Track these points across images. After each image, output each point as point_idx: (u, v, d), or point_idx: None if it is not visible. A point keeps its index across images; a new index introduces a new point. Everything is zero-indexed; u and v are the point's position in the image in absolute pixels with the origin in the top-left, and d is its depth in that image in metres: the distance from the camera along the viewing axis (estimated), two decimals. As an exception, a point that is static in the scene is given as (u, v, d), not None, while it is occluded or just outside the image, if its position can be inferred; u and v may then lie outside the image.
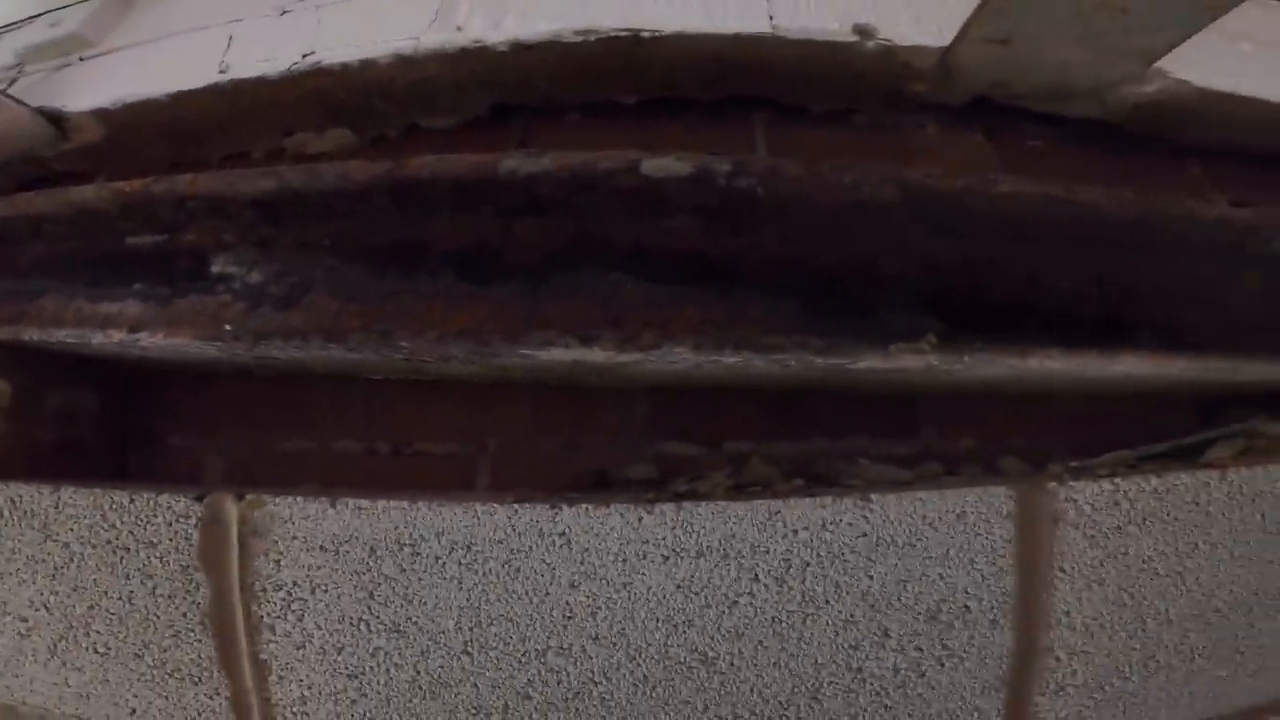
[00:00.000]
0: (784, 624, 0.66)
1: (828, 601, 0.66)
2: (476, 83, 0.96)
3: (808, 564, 0.65)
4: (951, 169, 0.79)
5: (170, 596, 0.72)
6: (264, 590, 0.70)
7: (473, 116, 1.01)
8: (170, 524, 0.71)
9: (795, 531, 0.65)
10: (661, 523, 0.65)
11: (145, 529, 0.71)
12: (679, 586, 0.66)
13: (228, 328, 0.70)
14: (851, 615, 0.66)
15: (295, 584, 0.70)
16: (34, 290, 0.83)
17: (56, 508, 0.73)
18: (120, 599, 0.73)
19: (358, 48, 0.94)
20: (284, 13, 1.03)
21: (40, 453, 0.79)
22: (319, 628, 0.70)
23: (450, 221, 0.76)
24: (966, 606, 0.67)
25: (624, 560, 0.65)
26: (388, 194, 0.75)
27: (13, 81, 1.01)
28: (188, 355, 0.82)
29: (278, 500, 0.68)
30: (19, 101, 0.92)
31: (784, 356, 0.66)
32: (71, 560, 0.73)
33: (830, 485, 0.75)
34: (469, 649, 0.70)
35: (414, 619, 0.69)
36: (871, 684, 0.68)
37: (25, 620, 0.76)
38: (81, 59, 1.03)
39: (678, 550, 0.65)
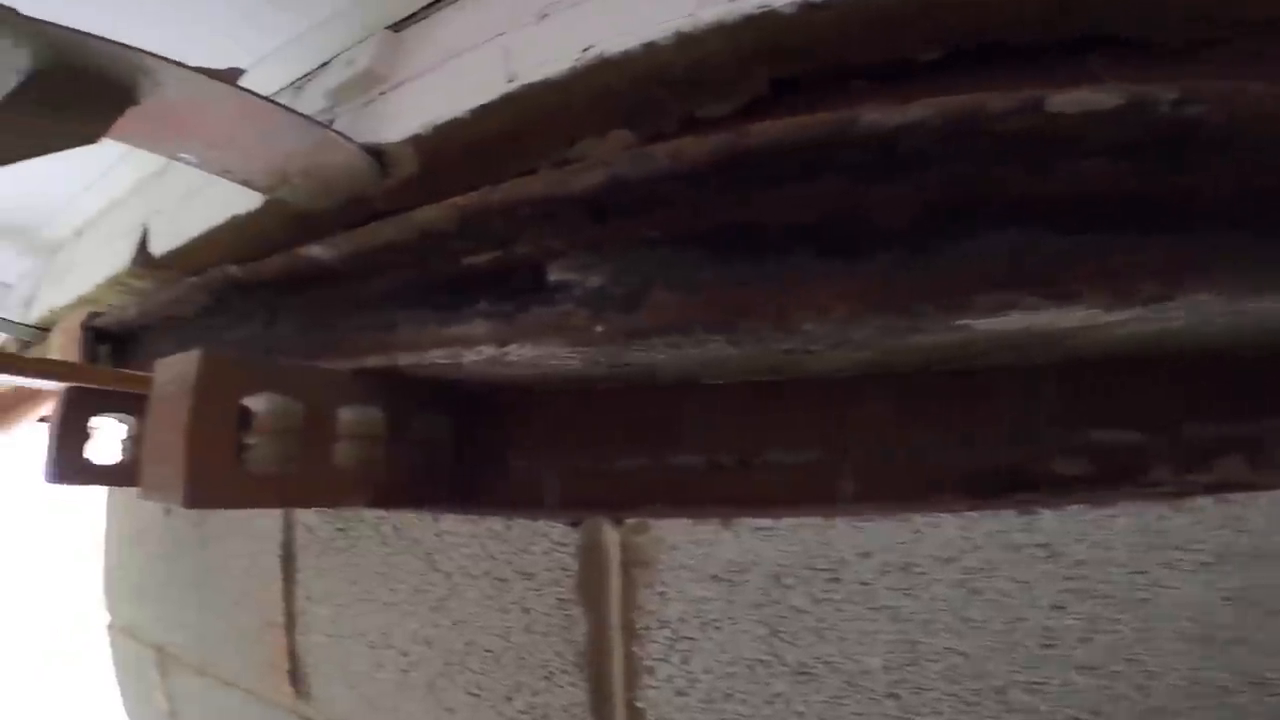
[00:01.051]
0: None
1: None
2: (757, 55, 0.85)
3: None
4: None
5: (545, 634, 0.67)
6: (646, 628, 0.62)
7: (750, 97, 0.90)
8: (547, 553, 0.66)
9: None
10: (1198, 522, 0.48)
11: (522, 558, 0.67)
12: (1227, 599, 0.49)
13: (578, 337, 0.64)
14: None
15: (682, 620, 0.62)
16: (387, 322, 0.85)
17: (438, 536, 0.72)
18: (496, 635, 0.70)
19: (633, 34, 0.87)
20: (544, 17, 0.98)
21: (413, 479, 0.80)
22: (707, 671, 0.62)
23: (801, 192, 0.66)
24: None
25: (1141, 572, 0.49)
26: (727, 169, 0.66)
27: (330, 123, 1.08)
28: (524, 373, 0.80)
29: (663, 524, 0.61)
30: (347, 138, 0.97)
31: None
32: (453, 592, 0.72)
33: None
34: (897, 690, 0.57)
35: (827, 658, 0.59)
36: None
37: (406, 655, 0.76)
38: (382, 93, 1.07)
39: (1224, 555, 0.48)
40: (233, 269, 1.04)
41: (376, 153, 1.00)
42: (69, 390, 0.89)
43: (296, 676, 0.87)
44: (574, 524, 0.65)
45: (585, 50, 0.89)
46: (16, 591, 2.27)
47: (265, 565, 0.90)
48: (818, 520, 0.57)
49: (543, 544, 0.66)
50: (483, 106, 0.93)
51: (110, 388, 0.89)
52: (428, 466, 0.84)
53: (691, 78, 0.89)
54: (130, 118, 0.82)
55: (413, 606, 0.75)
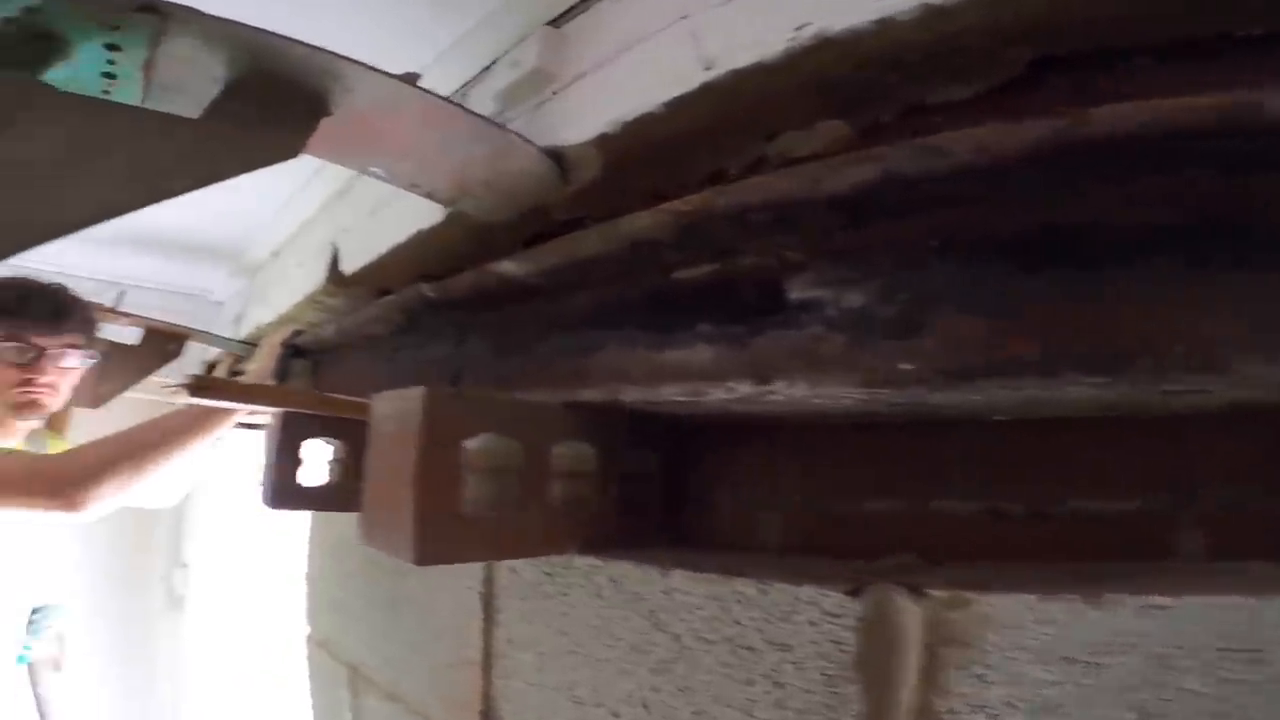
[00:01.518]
0: None
1: None
2: (1020, 30, 0.68)
3: None
4: None
5: (803, 711, 0.56)
6: (953, 712, 0.49)
7: (1004, 80, 0.73)
8: (814, 624, 0.54)
9: None
10: None
11: (778, 628, 0.56)
12: None
13: (870, 377, 0.52)
14: None
15: (1009, 705, 0.47)
16: (589, 344, 0.77)
17: (666, 594, 0.63)
18: (734, 708, 0.59)
19: (858, 10, 0.72)
20: None
21: (621, 522, 0.72)
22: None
23: (1157, 188, 0.50)
24: None
25: None
26: (1048, 162, 0.51)
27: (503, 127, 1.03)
28: (754, 409, 0.69)
29: (992, 599, 0.48)
30: (527, 141, 0.90)
31: None
32: (681, 656, 0.62)
33: None
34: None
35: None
36: None
37: (618, 715, 0.67)
38: (554, 92, 1.00)
39: None
40: (425, 288, 1.02)
41: (556, 156, 0.93)
42: (284, 416, 0.89)
43: (489, 718, 0.82)
44: (853, 593, 0.53)
45: (799, 29, 0.76)
46: (231, 610, 2.47)
47: (465, 601, 0.86)
48: (1236, 599, 0.42)
49: (809, 613, 0.54)
50: (678, 99, 0.82)
51: (323, 413, 0.88)
52: (635, 507, 0.75)
53: (932, 59, 0.73)
54: (324, 129, 0.80)
55: (630, 665, 0.66)
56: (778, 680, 0.57)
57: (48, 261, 2.20)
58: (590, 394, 0.68)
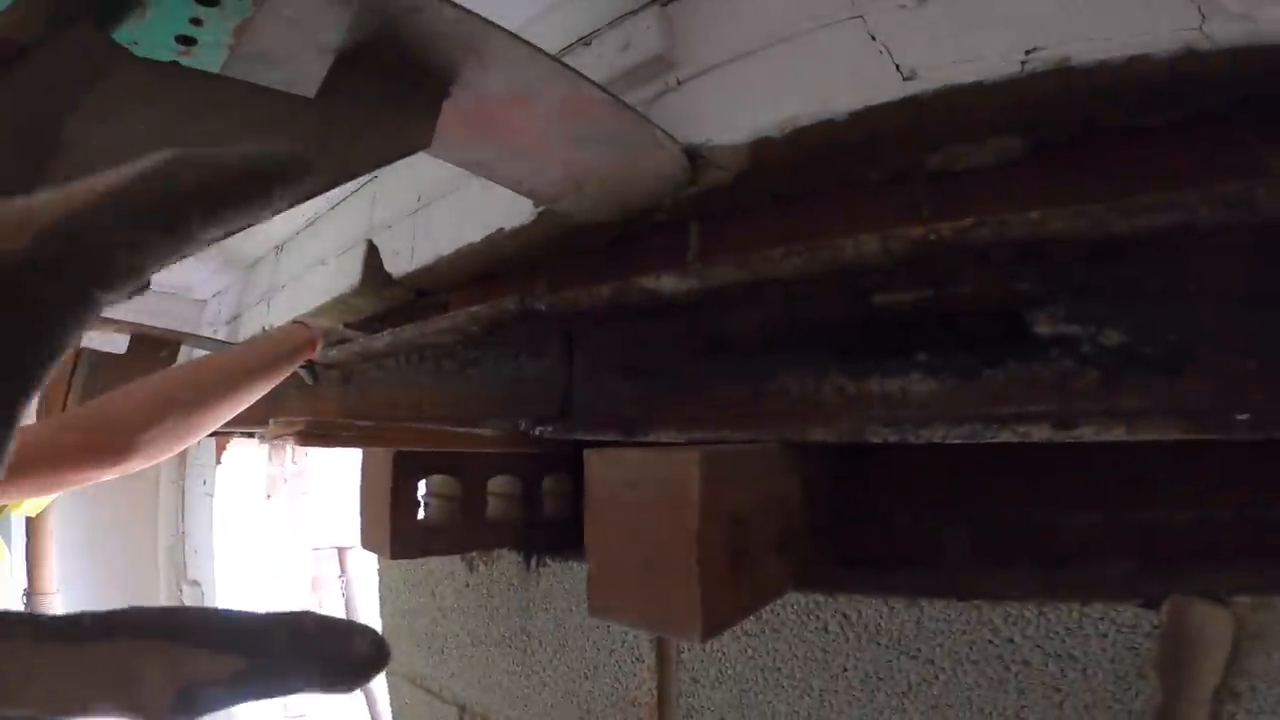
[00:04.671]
0: None
1: None
2: (1251, 75, 0.66)
3: None
4: None
5: (1088, 707, 0.55)
6: (1250, 689, 0.51)
7: (1180, 117, 0.71)
8: (1104, 635, 0.54)
9: None
10: None
11: (1059, 643, 0.55)
12: None
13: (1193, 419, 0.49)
14: None
15: None
16: (763, 366, 0.71)
17: (917, 624, 0.60)
18: (1000, 713, 0.58)
19: (1112, 41, 0.67)
20: (923, 2, 0.77)
21: (816, 551, 0.68)
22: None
23: None
24: None
25: None
26: None
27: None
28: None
29: None
30: (672, 139, 0.82)
31: None
32: (936, 677, 0.60)
33: None
34: None
35: None
36: None
37: None
38: (679, 82, 0.91)
39: None
40: (530, 299, 0.93)
41: (692, 156, 0.86)
42: (399, 454, 0.80)
43: (664, 758, 0.78)
44: (1148, 604, 0.54)
45: (1031, 52, 0.70)
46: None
47: (627, 641, 0.80)
48: None
49: (1098, 627, 0.55)
50: (870, 108, 0.76)
51: (445, 449, 0.79)
52: (820, 532, 0.71)
53: (1155, 91, 0.69)
54: (442, 116, 0.69)
55: (864, 694, 0.63)
56: (1056, 686, 0.56)
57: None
58: (820, 434, 0.63)
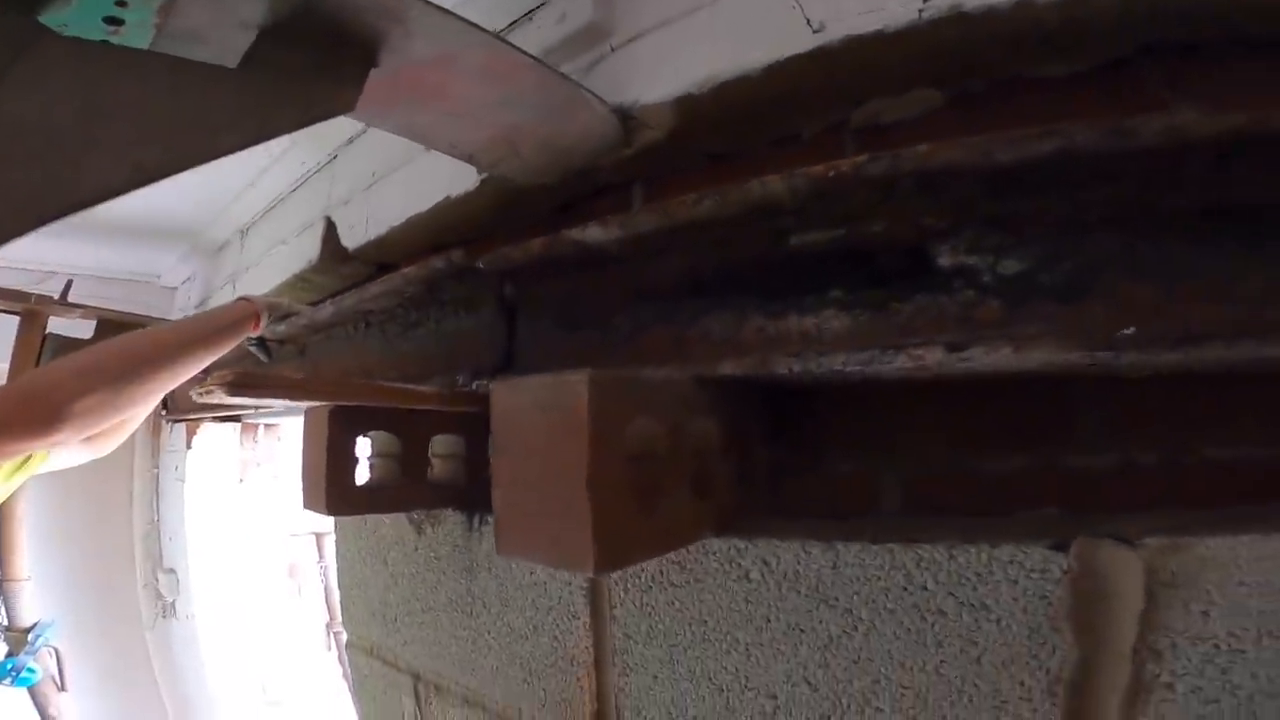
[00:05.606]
0: None
1: None
2: (1139, 17, 0.65)
3: None
4: None
5: (1006, 663, 0.54)
6: (1171, 648, 0.50)
7: (1102, 61, 0.71)
8: (1015, 581, 0.52)
9: None
10: None
11: (971, 589, 0.54)
12: None
13: (1088, 340, 0.49)
14: None
15: (1231, 634, 0.49)
16: (687, 311, 0.71)
17: (834, 568, 0.59)
18: (924, 670, 0.57)
19: None
20: None
21: (742, 499, 0.67)
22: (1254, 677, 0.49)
23: None
24: None
25: None
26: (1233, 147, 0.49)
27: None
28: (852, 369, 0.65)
29: (1210, 542, 0.46)
30: (600, 99, 0.82)
31: None
32: (855, 629, 0.59)
33: None
34: None
35: None
36: None
37: (774, 697, 0.64)
38: (612, 49, 0.91)
39: None
40: (459, 255, 0.92)
41: (623, 116, 0.85)
42: (334, 410, 0.79)
43: (603, 718, 0.78)
44: (1057, 547, 0.52)
45: (927, 0, 0.70)
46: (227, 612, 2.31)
47: (564, 598, 0.80)
48: None
49: (1006, 572, 0.53)
50: (782, 61, 0.76)
51: (382, 404, 0.78)
52: (747, 479, 0.71)
53: (1048, 38, 0.69)
54: (371, 83, 0.70)
55: (788, 646, 0.63)
56: (972, 639, 0.55)
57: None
58: (730, 367, 0.62)
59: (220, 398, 0.71)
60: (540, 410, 0.51)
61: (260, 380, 0.72)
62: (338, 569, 1.21)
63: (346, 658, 1.22)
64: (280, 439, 2.36)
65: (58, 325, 1.78)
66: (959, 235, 0.59)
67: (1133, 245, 0.53)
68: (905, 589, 0.57)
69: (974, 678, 0.56)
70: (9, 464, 1.29)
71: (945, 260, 0.59)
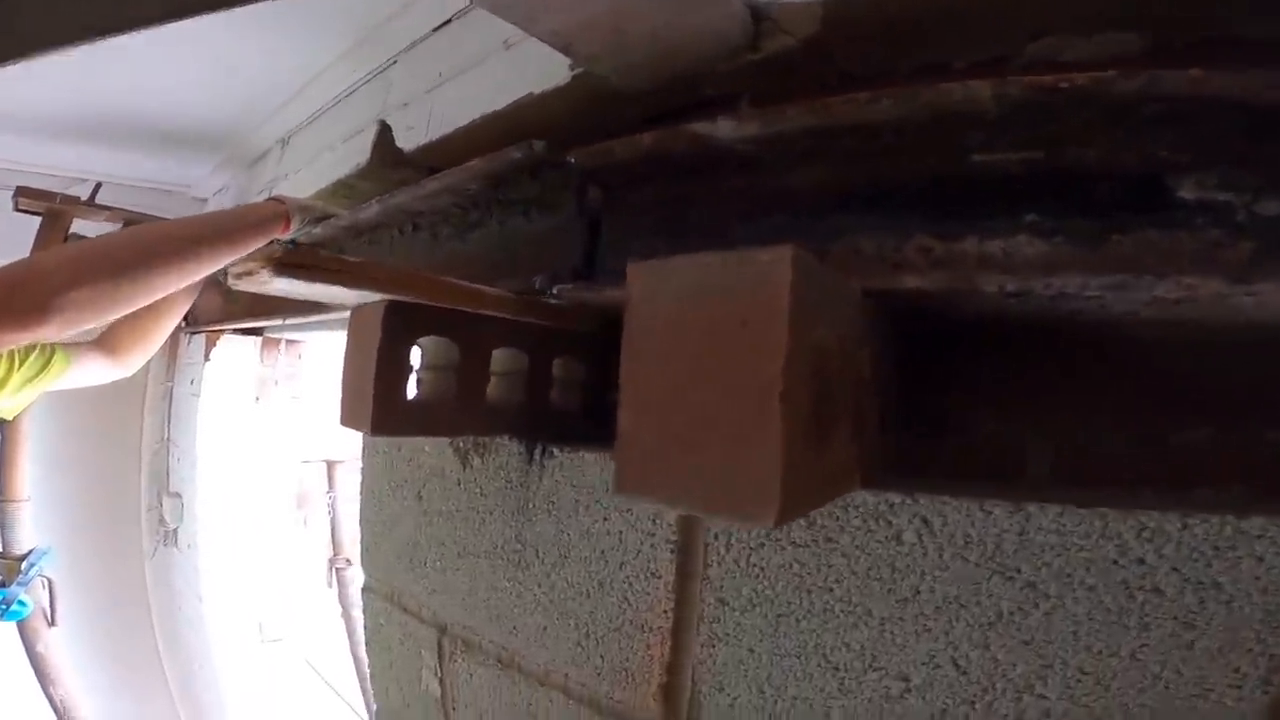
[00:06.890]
0: None
1: None
2: None
3: None
4: None
5: (1222, 650, 0.45)
6: None
7: None
8: (1260, 558, 0.44)
9: None
10: None
11: (1205, 566, 0.45)
12: None
13: None
14: None
15: None
16: (830, 225, 0.60)
17: (1020, 534, 0.48)
18: (1118, 655, 0.47)
19: None
20: None
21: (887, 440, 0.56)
22: None
23: None
24: None
25: None
26: None
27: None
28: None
29: None
30: (726, -11, 0.69)
31: None
32: (1035, 605, 0.49)
33: None
34: None
35: None
36: None
37: (906, 680, 0.53)
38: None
39: None
40: (544, 148, 0.81)
41: (756, 13, 0.73)
42: (391, 308, 0.68)
43: (673, 692, 0.67)
44: None
45: None
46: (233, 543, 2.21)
47: (642, 552, 0.69)
48: None
49: (1257, 547, 0.43)
50: None
51: (441, 303, 0.67)
52: (892, 427, 0.59)
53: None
54: None
55: (934, 622, 0.52)
56: (1189, 621, 0.45)
57: (9, 156, 1.88)
58: (915, 280, 0.51)
59: (265, 279, 0.59)
60: (708, 297, 0.39)
61: (314, 259, 0.61)
62: (362, 502, 1.11)
63: (362, 602, 1.12)
64: (301, 356, 2.26)
65: (82, 228, 1.68)
66: (1208, 170, 0.48)
67: None
68: (1116, 562, 0.46)
69: (1178, 663, 0.46)
70: (20, 375, 1.20)
71: (1188, 194, 0.48)
